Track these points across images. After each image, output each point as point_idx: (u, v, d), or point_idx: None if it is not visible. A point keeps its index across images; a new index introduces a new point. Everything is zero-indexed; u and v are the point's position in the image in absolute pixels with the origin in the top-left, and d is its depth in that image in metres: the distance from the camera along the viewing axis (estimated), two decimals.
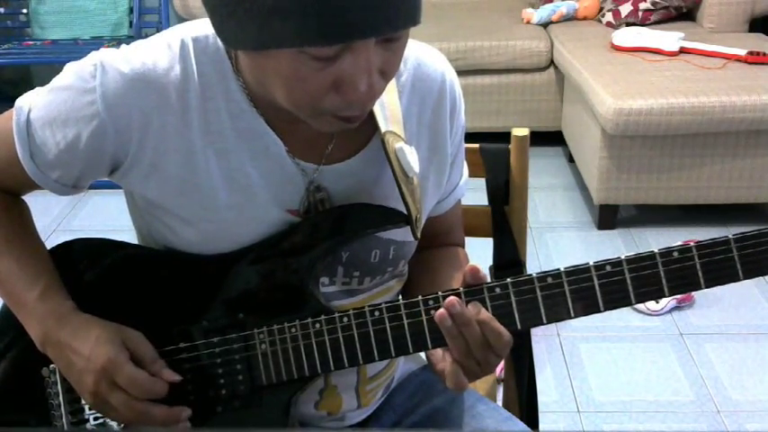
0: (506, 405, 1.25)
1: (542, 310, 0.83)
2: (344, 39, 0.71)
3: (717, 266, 0.81)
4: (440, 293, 0.85)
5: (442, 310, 0.83)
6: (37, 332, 0.91)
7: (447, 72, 0.97)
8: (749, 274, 0.80)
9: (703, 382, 2.10)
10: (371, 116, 0.88)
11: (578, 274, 0.83)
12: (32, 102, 0.90)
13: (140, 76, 0.84)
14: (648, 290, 0.82)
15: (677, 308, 2.40)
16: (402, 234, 0.94)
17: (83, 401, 0.94)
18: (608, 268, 0.82)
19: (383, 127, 0.89)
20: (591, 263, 0.83)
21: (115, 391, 0.87)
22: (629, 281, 0.82)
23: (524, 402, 1.22)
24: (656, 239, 2.80)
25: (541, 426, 1.83)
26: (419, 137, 0.95)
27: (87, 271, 0.96)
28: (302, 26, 0.70)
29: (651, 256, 0.82)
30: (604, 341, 2.28)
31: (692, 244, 0.81)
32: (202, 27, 0.87)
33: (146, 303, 0.93)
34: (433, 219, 1.04)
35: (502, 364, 1.36)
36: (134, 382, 0.86)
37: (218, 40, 0.86)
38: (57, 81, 0.89)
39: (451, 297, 0.83)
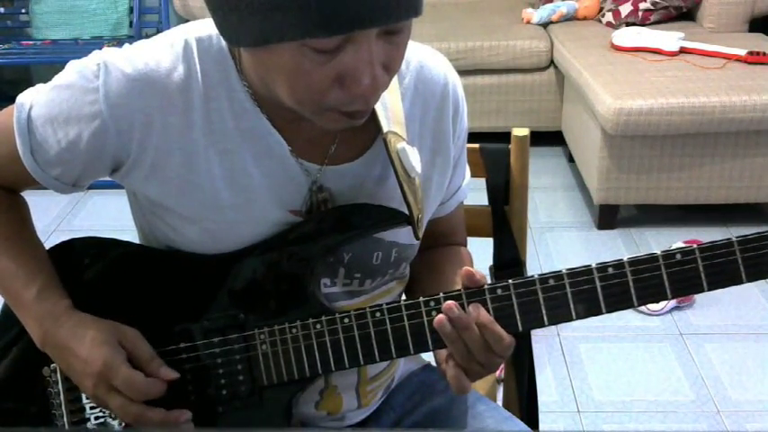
0: (506, 405, 1.25)
1: (544, 312, 0.83)
2: (345, 29, 0.71)
3: (720, 269, 0.79)
4: (441, 294, 0.85)
5: (440, 316, 0.83)
6: (36, 332, 0.91)
7: (450, 75, 0.97)
8: (752, 277, 0.79)
9: (703, 382, 2.10)
10: (375, 117, 0.88)
11: (580, 275, 0.82)
12: (34, 98, 0.89)
13: (143, 76, 0.84)
14: (651, 292, 0.81)
15: (677, 308, 2.40)
16: (405, 237, 0.94)
17: (84, 401, 0.94)
18: (610, 270, 0.81)
19: (385, 127, 0.88)
20: (593, 264, 0.82)
21: (113, 394, 0.86)
22: (631, 283, 0.81)
23: (524, 402, 1.22)
24: (656, 239, 2.80)
25: (541, 426, 1.84)
26: (422, 139, 0.95)
27: (87, 270, 0.96)
28: (303, 18, 0.70)
29: (654, 258, 0.81)
30: (604, 341, 2.28)
31: (695, 246, 0.80)
32: (206, 27, 0.87)
33: (146, 303, 0.93)
34: (436, 220, 1.04)
35: (502, 364, 1.36)
36: (131, 384, 0.86)
37: (222, 39, 0.86)
38: (59, 78, 0.88)
39: (449, 301, 0.83)
